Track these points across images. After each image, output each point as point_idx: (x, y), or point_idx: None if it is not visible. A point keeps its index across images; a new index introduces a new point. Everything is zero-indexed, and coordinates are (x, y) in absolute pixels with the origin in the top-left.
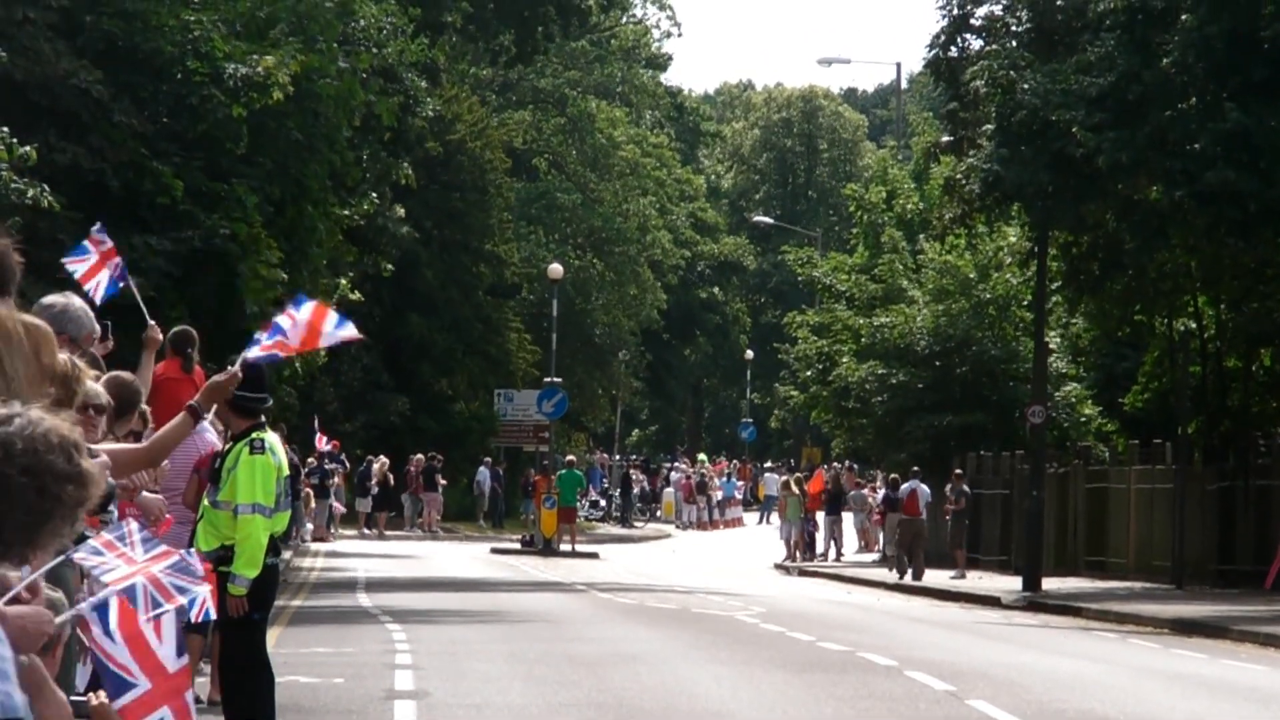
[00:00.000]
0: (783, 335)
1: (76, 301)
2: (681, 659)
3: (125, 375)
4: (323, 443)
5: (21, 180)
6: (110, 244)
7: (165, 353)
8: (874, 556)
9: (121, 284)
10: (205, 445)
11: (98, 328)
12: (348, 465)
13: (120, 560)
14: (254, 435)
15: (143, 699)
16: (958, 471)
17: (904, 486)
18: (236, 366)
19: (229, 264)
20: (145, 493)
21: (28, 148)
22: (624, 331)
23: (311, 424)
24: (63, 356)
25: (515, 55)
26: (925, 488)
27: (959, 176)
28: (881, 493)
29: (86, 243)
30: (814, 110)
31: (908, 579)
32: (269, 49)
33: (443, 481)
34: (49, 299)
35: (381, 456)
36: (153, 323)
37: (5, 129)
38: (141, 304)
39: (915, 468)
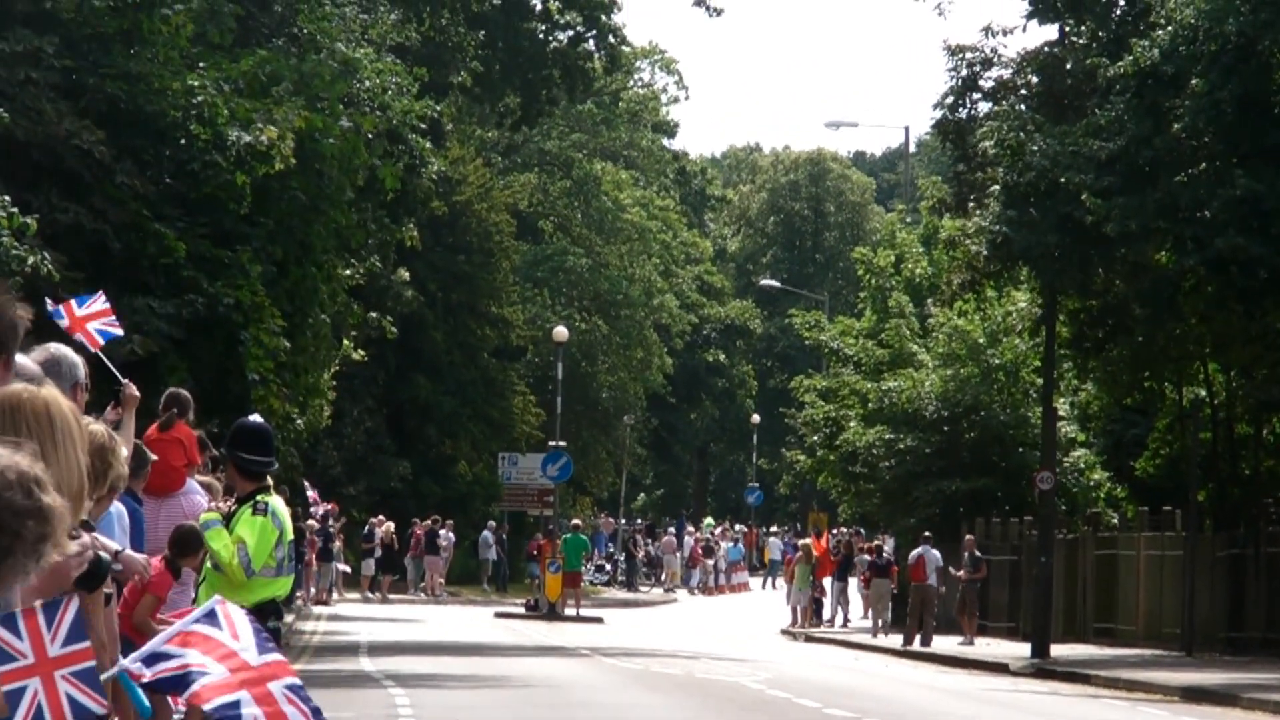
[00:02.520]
0: (790, 399)
1: (63, 349)
2: None
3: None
4: (316, 501)
5: (22, 247)
6: (67, 321)
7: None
8: (880, 622)
9: (108, 336)
10: (194, 507)
11: (84, 376)
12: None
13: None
14: (258, 498)
15: (220, 683)
16: (969, 537)
17: (914, 552)
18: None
19: (231, 331)
20: (129, 551)
21: (28, 218)
22: (629, 395)
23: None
24: (99, 427)
25: (520, 118)
26: (935, 553)
27: (964, 237)
28: (869, 558)
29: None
30: (822, 173)
31: (916, 645)
32: (271, 105)
33: (445, 546)
34: (35, 353)
35: (384, 519)
36: (126, 380)
37: (7, 197)
38: (110, 364)
39: (926, 533)
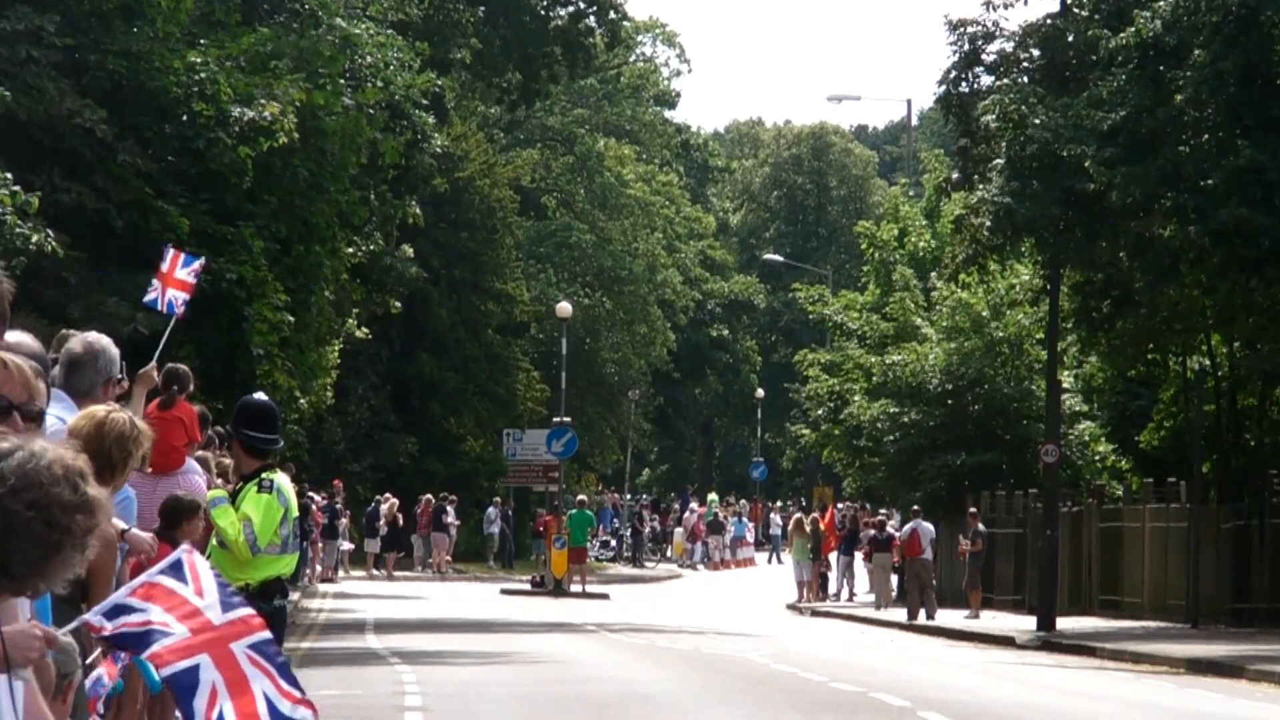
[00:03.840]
0: (794, 374)
1: (104, 341)
2: (693, 700)
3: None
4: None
5: (26, 225)
6: (191, 280)
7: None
8: (882, 596)
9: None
10: (191, 486)
11: (119, 372)
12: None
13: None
14: (263, 475)
15: (181, 645)
16: (972, 511)
17: (906, 526)
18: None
19: (235, 307)
20: (135, 530)
21: (31, 195)
22: (634, 371)
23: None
24: (122, 415)
25: (521, 95)
26: (928, 526)
27: (968, 211)
28: (869, 533)
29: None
30: (824, 147)
31: (920, 619)
32: (270, 80)
33: (453, 521)
34: (74, 341)
35: (390, 496)
36: (153, 364)
37: (9, 175)
38: (161, 345)
39: (915, 507)
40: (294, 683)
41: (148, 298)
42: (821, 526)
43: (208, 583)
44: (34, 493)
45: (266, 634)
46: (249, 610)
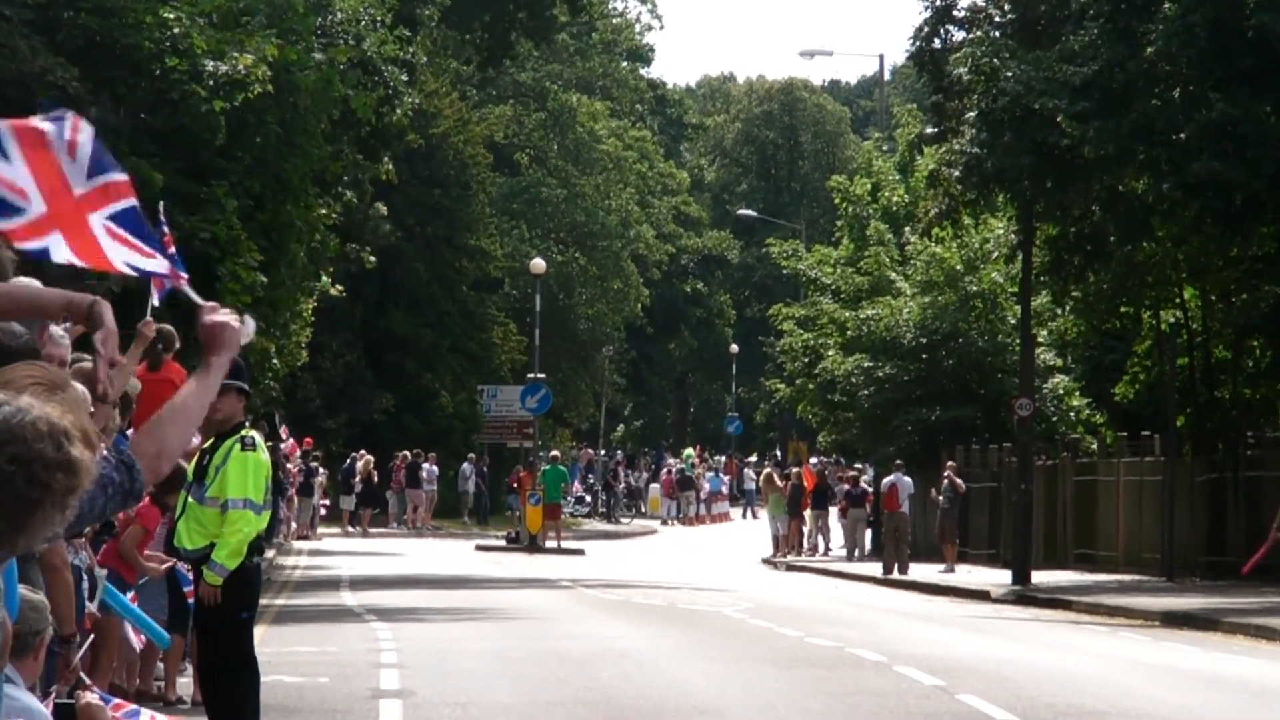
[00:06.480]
0: (768, 329)
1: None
2: (669, 656)
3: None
4: (292, 448)
5: None
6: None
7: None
8: (856, 550)
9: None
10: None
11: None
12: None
13: None
14: (244, 433)
15: (35, 222)
16: (951, 464)
17: (887, 479)
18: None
19: (208, 266)
20: None
21: None
22: (608, 326)
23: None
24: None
25: (488, 56)
26: (908, 480)
27: (942, 166)
28: (844, 488)
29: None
30: (795, 102)
31: (895, 573)
32: (242, 36)
33: (428, 479)
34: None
35: (365, 453)
36: (149, 319)
37: None
38: (152, 304)
39: (898, 461)
40: (157, 245)
41: (156, 298)
42: (805, 483)
43: (84, 145)
44: (16, 447)
45: (129, 202)
46: (118, 175)
